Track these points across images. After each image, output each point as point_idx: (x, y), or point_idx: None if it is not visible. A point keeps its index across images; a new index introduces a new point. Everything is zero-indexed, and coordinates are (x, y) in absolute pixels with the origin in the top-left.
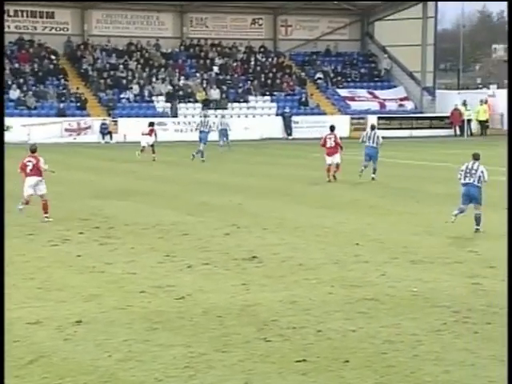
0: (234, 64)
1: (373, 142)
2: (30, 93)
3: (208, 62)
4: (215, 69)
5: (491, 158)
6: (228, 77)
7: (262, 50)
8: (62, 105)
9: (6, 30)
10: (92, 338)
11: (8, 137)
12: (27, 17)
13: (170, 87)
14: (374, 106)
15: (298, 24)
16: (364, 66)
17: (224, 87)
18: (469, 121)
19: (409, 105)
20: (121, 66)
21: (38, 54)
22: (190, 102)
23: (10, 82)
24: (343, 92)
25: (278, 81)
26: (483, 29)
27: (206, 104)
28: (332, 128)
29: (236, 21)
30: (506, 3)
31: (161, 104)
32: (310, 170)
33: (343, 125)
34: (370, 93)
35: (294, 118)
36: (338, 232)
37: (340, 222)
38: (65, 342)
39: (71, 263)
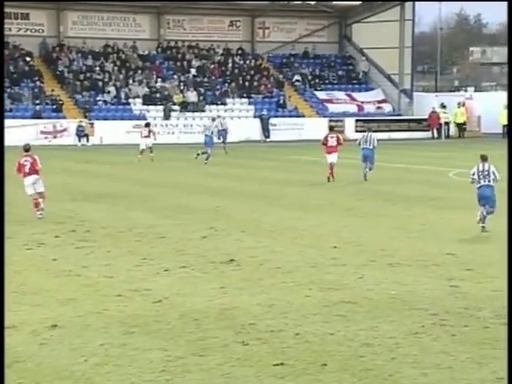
0: (212, 66)
1: (369, 145)
2: (5, 95)
3: (185, 64)
4: (192, 71)
5: (470, 161)
6: (205, 79)
7: (239, 52)
8: (37, 107)
9: None
10: (68, 342)
11: None
12: None
13: (146, 89)
14: (352, 108)
15: (276, 26)
16: (342, 68)
17: (201, 89)
18: (447, 123)
19: (387, 107)
20: (97, 68)
21: (13, 55)
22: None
23: None
24: (321, 94)
25: (255, 83)
26: (460, 31)
27: (184, 106)
28: (331, 128)
29: (213, 23)
30: (483, 6)
31: (138, 106)
32: (288, 172)
33: (321, 127)
34: (348, 95)
35: (272, 121)
36: (315, 235)
37: (318, 225)
38: (40, 346)
39: (47, 267)
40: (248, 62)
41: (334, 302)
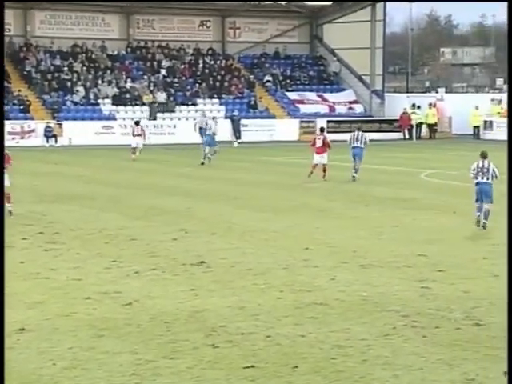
0: (182, 66)
1: (360, 143)
2: None
3: (155, 64)
4: (162, 71)
5: (441, 162)
6: (176, 79)
7: (210, 52)
8: (4, 107)
9: None
10: (35, 345)
11: None
12: None
13: (116, 90)
14: (324, 109)
15: (247, 26)
16: (313, 68)
17: (171, 90)
18: (420, 124)
19: (358, 108)
20: (65, 68)
21: None
22: (136, 105)
23: None
24: (292, 95)
25: (226, 84)
26: (431, 32)
27: (154, 107)
28: (322, 129)
29: (184, 23)
30: (455, 7)
31: (107, 107)
32: (259, 173)
33: (292, 128)
34: (320, 96)
35: (243, 122)
36: (287, 236)
37: (289, 226)
38: (7, 350)
39: (14, 270)
40: (219, 62)
41: (306, 304)
